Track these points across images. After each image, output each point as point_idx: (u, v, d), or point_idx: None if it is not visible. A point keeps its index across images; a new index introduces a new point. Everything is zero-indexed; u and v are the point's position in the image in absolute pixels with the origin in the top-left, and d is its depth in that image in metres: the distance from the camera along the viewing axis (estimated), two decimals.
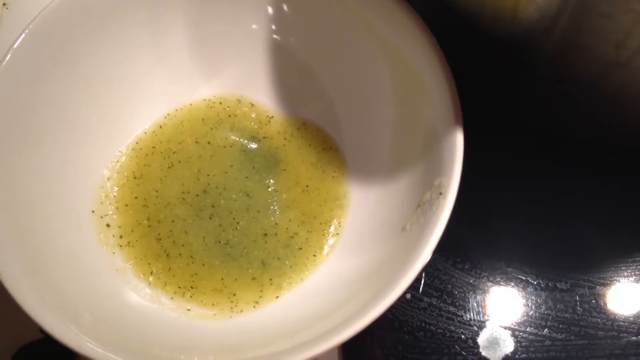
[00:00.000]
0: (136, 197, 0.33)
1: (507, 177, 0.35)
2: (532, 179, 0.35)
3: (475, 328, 0.32)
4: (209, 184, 0.34)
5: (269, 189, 0.34)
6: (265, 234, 0.33)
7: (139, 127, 0.35)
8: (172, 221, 0.33)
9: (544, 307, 0.33)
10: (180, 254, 0.32)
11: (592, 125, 0.32)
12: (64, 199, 0.31)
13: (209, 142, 0.35)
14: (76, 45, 0.32)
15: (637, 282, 0.33)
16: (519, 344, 0.32)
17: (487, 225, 0.35)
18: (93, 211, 0.32)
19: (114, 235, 0.32)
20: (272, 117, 0.36)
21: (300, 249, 0.32)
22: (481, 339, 0.32)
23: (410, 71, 0.31)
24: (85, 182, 0.32)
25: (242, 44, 0.35)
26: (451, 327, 0.32)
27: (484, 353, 0.32)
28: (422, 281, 0.33)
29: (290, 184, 0.34)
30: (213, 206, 0.33)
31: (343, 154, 0.34)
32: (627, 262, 0.34)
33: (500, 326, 0.32)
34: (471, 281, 0.33)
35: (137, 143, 0.34)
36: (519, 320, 0.32)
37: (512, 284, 0.33)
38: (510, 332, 0.32)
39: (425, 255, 0.26)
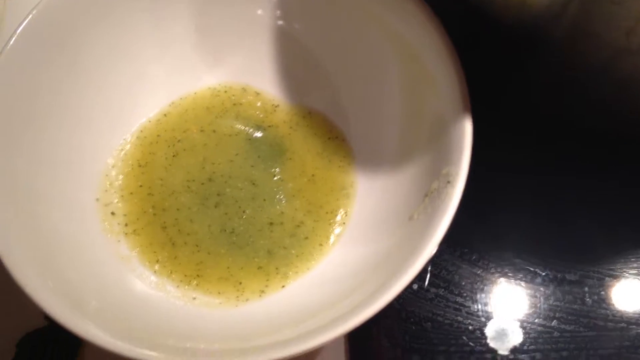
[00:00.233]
0: (141, 186, 0.33)
1: (512, 169, 0.35)
2: (536, 174, 0.35)
3: (483, 319, 0.32)
4: (214, 172, 0.34)
5: (275, 178, 0.34)
6: (271, 223, 0.32)
7: (143, 115, 0.35)
8: (178, 209, 0.32)
9: (552, 298, 0.32)
10: (185, 243, 0.32)
11: (601, 112, 0.32)
12: (68, 187, 0.31)
13: (214, 131, 0.35)
14: (80, 31, 0.31)
15: None
16: (527, 335, 0.32)
17: (493, 216, 0.35)
18: (97, 199, 0.32)
19: (119, 224, 0.32)
20: (278, 105, 0.35)
21: (307, 238, 0.32)
22: (489, 330, 0.32)
23: (417, 59, 0.31)
24: (89, 170, 0.32)
25: (247, 32, 0.35)
26: (459, 317, 0.32)
27: (491, 344, 0.31)
28: (429, 272, 0.33)
29: (296, 173, 0.34)
30: (218, 195, 0.33)
31: (349, 143, 0.34)
32: (636, 253, 0.33)
33: (508, 317, 0.32)
34: (478, 272, 0.33)
35: (141, 131, 0.34)
36: (527, 312, 0.32)
37: (520, 276, 0.33)
38: (518, 323, 0.32)
39: (433, 243, 0.25)
